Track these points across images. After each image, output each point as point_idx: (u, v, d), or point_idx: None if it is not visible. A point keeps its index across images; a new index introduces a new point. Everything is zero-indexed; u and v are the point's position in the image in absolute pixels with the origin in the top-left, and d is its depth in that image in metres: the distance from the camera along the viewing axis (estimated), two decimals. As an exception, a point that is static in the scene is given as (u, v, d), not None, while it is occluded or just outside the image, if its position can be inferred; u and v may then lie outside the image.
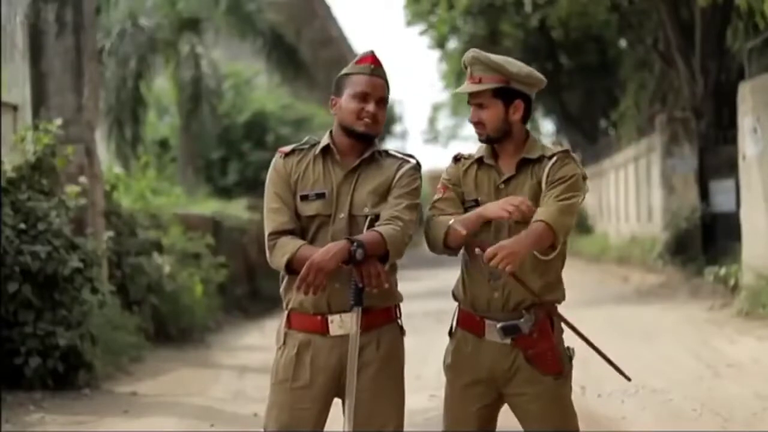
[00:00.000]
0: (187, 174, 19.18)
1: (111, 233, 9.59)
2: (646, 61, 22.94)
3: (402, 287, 3.42)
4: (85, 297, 7.95)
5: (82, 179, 8.79)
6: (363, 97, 3.30)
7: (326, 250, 3.14)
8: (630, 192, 23.16)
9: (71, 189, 8.42)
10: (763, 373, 8.07)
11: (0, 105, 9.61)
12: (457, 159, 3.47)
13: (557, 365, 3.31)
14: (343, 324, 3.24)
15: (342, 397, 3.29)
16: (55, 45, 9.39)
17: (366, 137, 3.33)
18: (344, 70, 3.41)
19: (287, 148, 3.42)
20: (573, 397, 3.43)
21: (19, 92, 10.18)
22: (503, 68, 3.30)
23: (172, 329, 11.07)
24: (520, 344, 3.28)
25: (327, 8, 29.59)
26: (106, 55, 17.65)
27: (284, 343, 3.33)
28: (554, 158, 3.34)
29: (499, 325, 3.28)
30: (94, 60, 9.85)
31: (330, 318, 3.26)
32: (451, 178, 3.44)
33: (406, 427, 3.41)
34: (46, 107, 9.27)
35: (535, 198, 3.31)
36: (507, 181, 3.35)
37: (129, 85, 18.21)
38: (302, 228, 3.31)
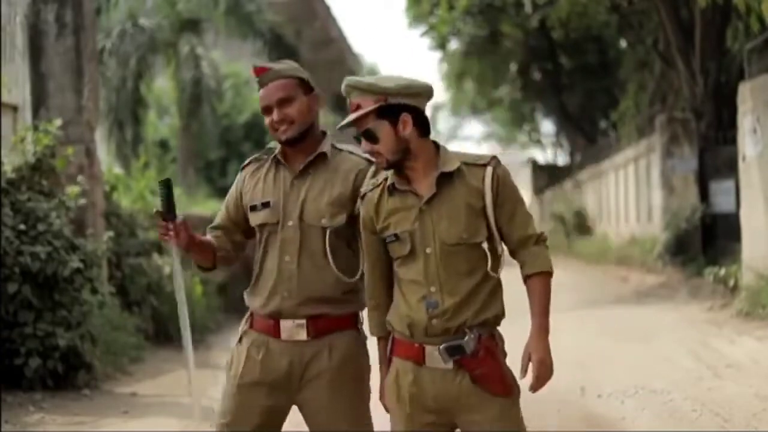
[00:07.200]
0: (187, 174, 19.20)
1: (111, 234, 9.59)
2: (646, 61, 22.94)
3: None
4: (85, 297, 7.95)
5: (82, 179, 8.79)
6: (266, 110, 3.36)
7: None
8: (630, 192, 23.15)
9: (71, 189, 8.41)
10: (763, 374, 8.07)
11: (0, 105, 9.62)
12: (362, 197, 3.21)
13: (507, 385, 3.09)
14: (294, 330, 3.32)
15: (298, 404, 3.35)
16: (55, 45, 9.39)
17: (291, 142, 3.35)
18: None
19: (247, 161, 3.53)
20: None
21: (19, 92, 10.18)
22: (377, 87, 3.07)
23: (172, 329, 11.06)
24: (465, 365, 3.05)
25: (327, 8, 29.59)
26: (107, 56, 17.70)
27: (240, 340, 3.44)
28: (489, 169, 3.10)
29: (441, 346, 3.04)
30: (94, 60, 9.84)
31: (282, 323, 3.34)
32: (366, 222, 3.19)
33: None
34: (46, 108, 9.28)
35: (472, 212, 3.09)
36: (429, 202, 3.08)
37: (129, 86, 18.25)
38: (258, 237, 3.47)
